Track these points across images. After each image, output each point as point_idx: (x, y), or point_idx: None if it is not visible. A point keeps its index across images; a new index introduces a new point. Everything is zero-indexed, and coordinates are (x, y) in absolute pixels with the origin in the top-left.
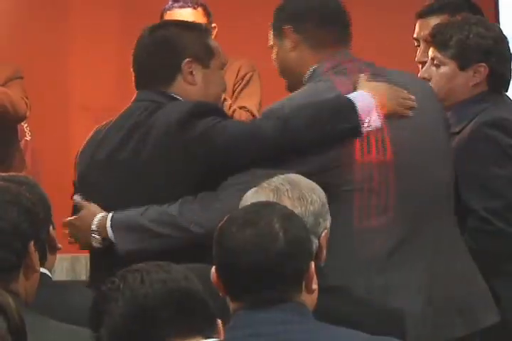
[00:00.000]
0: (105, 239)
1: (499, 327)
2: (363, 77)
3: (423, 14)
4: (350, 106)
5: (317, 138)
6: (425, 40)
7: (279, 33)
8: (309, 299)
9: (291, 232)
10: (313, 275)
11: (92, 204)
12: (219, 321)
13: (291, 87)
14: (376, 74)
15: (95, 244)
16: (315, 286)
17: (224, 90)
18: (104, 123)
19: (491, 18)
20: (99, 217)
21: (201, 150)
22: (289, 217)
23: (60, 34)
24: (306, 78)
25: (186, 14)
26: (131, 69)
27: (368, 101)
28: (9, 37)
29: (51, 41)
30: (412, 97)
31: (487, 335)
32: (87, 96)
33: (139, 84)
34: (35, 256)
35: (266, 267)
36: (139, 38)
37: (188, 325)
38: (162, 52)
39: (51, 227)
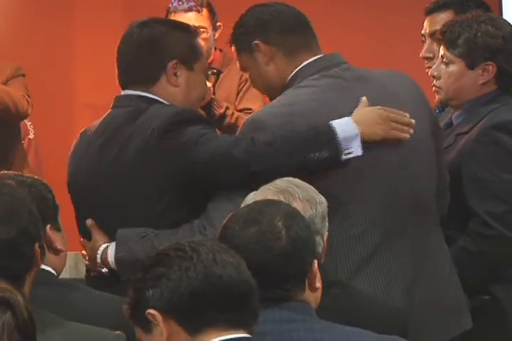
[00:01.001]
0: (112, 269)
1: (499, 330)
2: (364, 100)
3: (429, 11)
4: (330, 134)
5: (290, 164)
6: (430, 36)
7: (249, 51)
8: (313, 297)
9: (294, 231)
10: (316, 274)
11: (99, 232)
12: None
13: (269, 94)
14: (361, 77)
15: (105, 273)
16: (318, 284)
17: (205, 94)
18: (88, 127)
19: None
20: (102, 250)
21: (182, 160)
22: (292, 215)
23: (64, 30)
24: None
25: (190, 19)
26: (116, 65)
27: (350, 129)
28: (12, 34)
29: (54, 38)
30: (407, 115)
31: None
32: (91, 94)
33: (123, 82)
34: (39, 256)
35: (269, 265)
36: (126, 34)
37: (239, 316)
38: (148, 52)
39: (48, 227)
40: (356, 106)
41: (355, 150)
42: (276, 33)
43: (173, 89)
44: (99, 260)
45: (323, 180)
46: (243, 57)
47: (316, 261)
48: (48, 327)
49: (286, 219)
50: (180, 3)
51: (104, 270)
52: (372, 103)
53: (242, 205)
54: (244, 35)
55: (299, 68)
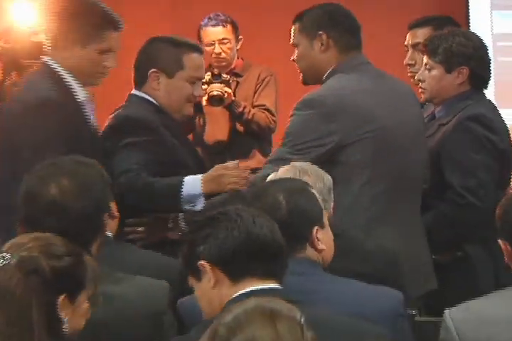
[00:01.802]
0: None
1: (471, 289)
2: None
3: (412, 26)
4: (177, 189)
5: (149, 204)
6: (412, 47)
7: (311, 35)
8: (317, 256)
9: (293, 203)
10: (314, 239)
11: None
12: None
13: (308, 81)
14: (381, 76)
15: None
16: (322, 246)
17: (189, 100)
18: None
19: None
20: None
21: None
22: (293, 191)
23: None
24: (325, 76)
25: (217, 32)
26: None
27: (195, 188)
28: None
29: None
30: (244, 175)
31: (455, 295)
32: None
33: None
34: (106, 225)
35: (286, 229)
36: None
37: (272, 268)
38: (141, 60)
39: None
40: (384, 95)
41: (199, 203)
42: (339, 31)
43: (154, 92)
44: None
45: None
46: (302, 36)
47: (316, 228)
48: (108, 279)
49: (287, 194)
50: (209, 20)
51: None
52: (389, 97)
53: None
54: (315, 22)
55: (342, 63)
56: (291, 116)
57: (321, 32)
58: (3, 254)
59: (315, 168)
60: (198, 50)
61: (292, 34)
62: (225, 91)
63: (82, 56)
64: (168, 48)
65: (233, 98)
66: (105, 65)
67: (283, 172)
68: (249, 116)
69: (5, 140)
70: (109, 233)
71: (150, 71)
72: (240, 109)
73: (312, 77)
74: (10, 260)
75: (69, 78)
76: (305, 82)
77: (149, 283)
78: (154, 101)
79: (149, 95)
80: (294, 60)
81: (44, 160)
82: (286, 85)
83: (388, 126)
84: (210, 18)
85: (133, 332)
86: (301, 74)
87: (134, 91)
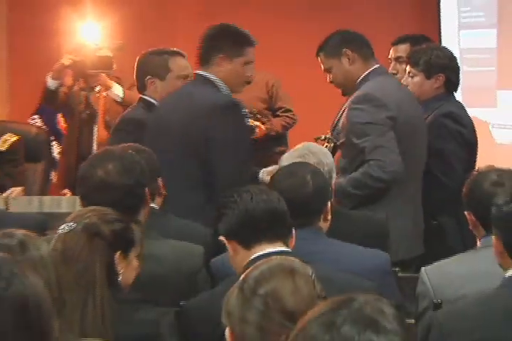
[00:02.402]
0: None
1: (444, 252)
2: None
3: (394, 43)
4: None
5: None
6: (395, 60)
7: (337, 55)
8: (325, 225)
9: (317, 182)
10: (328, 210)
11: None
12: (293, 232)
13: (347, 92)
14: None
15: None
16: (329, 217)
17: None
18: None
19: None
20: None
21: None
22: (316, 172)
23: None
24: (359, 81)
25: None
26: None
27: None
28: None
29: None
30: None
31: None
32: None
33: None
34: (148, 197)
35: (299, 203)
36: None
37: (275, 233)
38: (137, 72)
39: (160, 179)
40: (405, 93)
41: None
42: (358, 45)
43: (155, 93)
44: None
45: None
46: (330, 60)
47: (329, 202)
48: (155, 245)
49: (312, 175)
50: None
51: None
52: (407, 94)
53: (281, 161)
54: (337, 44)
55: (371, 69)
56: (350, 110)
57: (345, 49)
58: (68, 223)
59: (323, 150)
60: (179, 53)
61: (322, 63)
62: (256, 126)
63: (231, 69)
64: (155, 58)
65: (265, 130)
66: (248, 75)
67: (299, 148)
68: (272, 132)
69: (186, 135)
70: (155, 206)
71: (146, 79)
72: (273, 133)
73: (349, 86)
74: (75, 227)
75: (222, 86)
76: (345, 94)
77: (186, 246)
78: (155, 103)
79: (152, 98)
80: (331, 82)
81: (240, 149)
82: None
83: (409, 115)
84: None
85: (172, 286)
86: (341, 89)
87: (142, 96)
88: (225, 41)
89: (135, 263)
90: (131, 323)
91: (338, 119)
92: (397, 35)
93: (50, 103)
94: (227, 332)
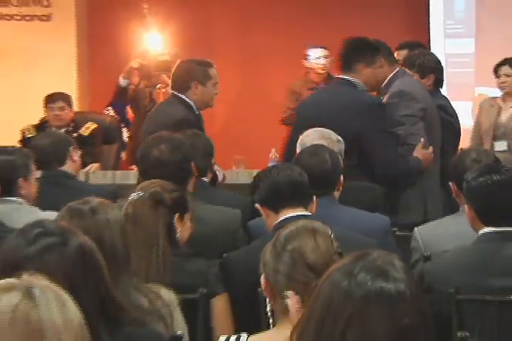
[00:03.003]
0: None
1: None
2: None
3: (396, 49)
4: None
5: None
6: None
7: (370, 63)
8: (337, 194)
9: (334, 160)
10: (341, 183)
11: None
12: (314, 199)
13: (379, 90)
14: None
15: None
16: (341, 188)
17: (213, 98)
18: None
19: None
20: None
21: None
22: (332, 152)
23: None
24: (386, 81)
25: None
26: None
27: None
28: None
29: None
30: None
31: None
32: None
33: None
34: (195, 170)
35: (320, 177)
36: None
37: (297, 201)
38: (179, 75)
39: (212, 159)
40: (424, 90)
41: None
42: (387, 53)
43: (195, 96)
44: None
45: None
46: (365, 69)
47: (341, 176)
48: (203, 210)
49: (330, 155)
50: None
51: None
52: (425, 90)
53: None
54: (373, 55)
55: (396, 71)
56: (388, 104)
57: (377, 57)
58: (137, 192)
59: (334, 133)
60: (212, 65)
61: None
62: None
63: (370, 74)
64: (197, 66)
65: None
66: (382, 77)
67: (312, 134)
68: None
69: (345, 127)
70: (206, 179)
71: (192, 83)
72: None
73: (377, 87)
74: (143, 195)
75: (364, 88)
76: (378, 92)
77: (228, 210)
78: (192, 103)
79: (190, 99)
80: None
81: (392, 138)
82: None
83: (432, 106)
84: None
85: (217, 243)
86: (375, 90)
87: (178, 94)
88: (364, 52)
89: (188, 224)
90: (185, 272)
91: None
92: (396, 42)
93: (121, 97)
94: (262, 279)
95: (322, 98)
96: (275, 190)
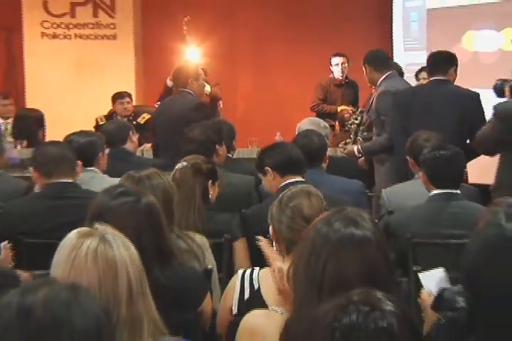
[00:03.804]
0: None
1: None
2: None
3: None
4: None
5: None
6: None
7: (455, 67)
8: (324, 166)
9: (321, 141)
10: (326, 157)
11: None
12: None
13: (375, 84)
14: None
15: None
16: (327, 161)
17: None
18: None
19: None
20: None
21: None
22: (319, 134)
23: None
24: (379, 81)
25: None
26: None
27: None
28: None
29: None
30: None
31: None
32: None
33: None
34: (219, 150)
35: (311, 153)
36: None
37: (297, 170)
38: (180, 75)
39: (234, 141)
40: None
41: None
42: (375, 62)
43: (193, 90)
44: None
45: None
46: (452, 72)
47: (327, 152)
48: (225, 175)
49: (317, 136)
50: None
51: None
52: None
53: (299, 127)
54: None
55: (387, 74)
56: (376, 99)
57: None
58: (182, 163)
59: (322, 120)
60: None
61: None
62: None
63: (455, 76)
64: (191, 68)
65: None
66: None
67: (305, 122)
68: None
69: (460, 112)
70: (231, 155)
71: (189, 80)
72: None
73: (375, 82)
74: (186, 165)
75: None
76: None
77: (245, 177)
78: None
79: (192, 92)
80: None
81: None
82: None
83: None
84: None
85: (238, 201)
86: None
87: (184, 89)
88: (452, 59)
89: (217, 188)
90: (215, 222)
91: (370, 105)
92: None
93: (167, 95)
94: (270, 228)
95: (432, 91)
96: (288, 161)
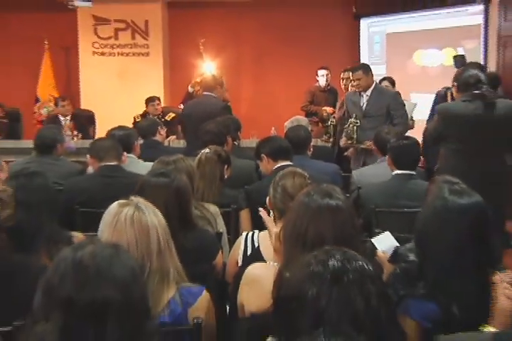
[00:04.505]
0: None
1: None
2: None
3: (342, 71)
4: None
5: None
6: (347, 79)
7: (366, 73)
8: (309, 153)
9: (306, 133)
10: (311, 146)
11: None
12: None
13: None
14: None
15: None
16: (311, 149)
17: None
18: None
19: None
20: None
21: None
22: (305, 128)
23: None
24: (373, 87)
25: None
26: None
27: None
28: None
29: None
30: None
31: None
32: None
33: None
34: (229, 140)
35: (298, 142)
36: None
37: (286, 156)
38: (210, 82)
39: (239, 133)
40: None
41: None
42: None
43: (219, 94)
44: None
45: None
46: (361, 74)
47: (311, 142)
48: (235, 160)
49: (303, 130)
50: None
51: None
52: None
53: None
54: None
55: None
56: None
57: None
58: (205, 150)
59: (304, 119)
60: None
61: (360, 77)
62: None
63: (223, 91)
64: (218, 77)
65: None
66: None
67: (293, 120)
68: None
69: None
70: (237, 143)
71: (217, 86)
72: None
73: (368, 88)
74: (209, 151)
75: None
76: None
77: (248, 161)
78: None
79: (216, 96)
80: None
81: None
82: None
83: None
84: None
85: (243, 179)
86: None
87: (209, 93)
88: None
89: (230, 170)
90: (225, 196)
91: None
92: (342, 67)
93: (188, 98)
94: (267, 200)
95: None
96: (279, 149)
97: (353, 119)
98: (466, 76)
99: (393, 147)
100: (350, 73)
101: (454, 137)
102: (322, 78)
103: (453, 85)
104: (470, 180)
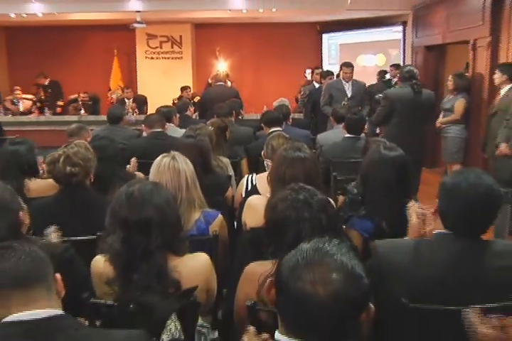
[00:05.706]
0: None
1: None
2: None
3: (313, 69)
4: None
5: None
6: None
7: (352, 69)
8: (289, 122)
9: (287, 109)
10: (290, 119)
11: None
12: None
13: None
14: None
15: None
16: (290, 121)
17: None
18: None
19: (317, 58)
20: None
21: None
22: (287, 106)
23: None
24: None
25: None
26: None
27: None
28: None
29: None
30: None
31: None
32: None
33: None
34: (234, 114)
35: (283, 115)
36: None
37: (277, 124)
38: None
39: (242, 110)
40: None
41: None
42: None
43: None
44: None
45: None
46: (352, 71)
47: (291, 118)
48: (236, 127)
49: (285, 107)
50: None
51: None
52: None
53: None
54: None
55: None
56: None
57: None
58: (212, 120)
59: (286, 100)
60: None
61: (351, 71)
62: None
63: (229, 82)
64: (226, 73)
65: None
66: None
67: (279, 100)
68: None
69: None
70: (240, 117)
71: (226, 78)
72: None
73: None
74: (212, 128)
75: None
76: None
77: (248, 128)
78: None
79: (225, 85)
80: None
81: None
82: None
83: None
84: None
85: (244, 141)
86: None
87: (221, 83)
88: None
89: (229, 133)
90: (232, 150)
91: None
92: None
93: (208, 86)
94: (263, 153)
95: (411, 91)
96: (271, 118)
97: (345, 102)
98: (405, 71)
99: (348, 118)
100: (344, 67)
101: (396, 112)
102: (308, 75)
103: (398, 77)
104: (405, 142)
